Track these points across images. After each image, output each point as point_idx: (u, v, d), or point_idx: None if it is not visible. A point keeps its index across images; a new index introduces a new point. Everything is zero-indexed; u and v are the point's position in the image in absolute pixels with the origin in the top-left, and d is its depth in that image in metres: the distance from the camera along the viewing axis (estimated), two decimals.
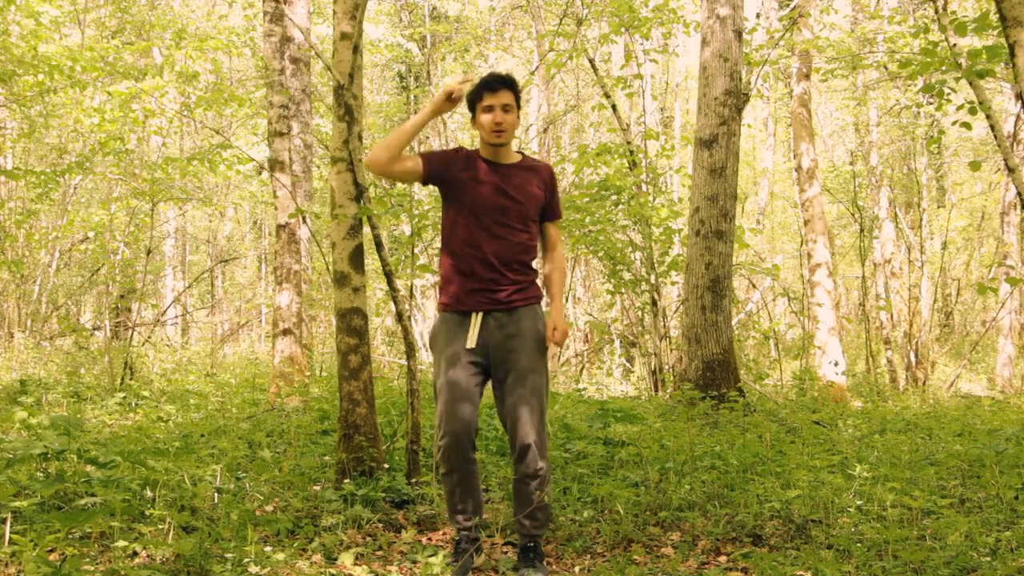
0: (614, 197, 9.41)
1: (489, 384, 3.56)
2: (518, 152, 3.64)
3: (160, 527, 3.59)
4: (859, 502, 4.19)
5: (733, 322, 9.23)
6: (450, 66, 19.70)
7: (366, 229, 4.65)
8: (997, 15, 4.05)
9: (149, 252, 11.53)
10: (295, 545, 3.58)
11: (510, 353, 3.42)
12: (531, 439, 3.39)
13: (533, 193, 3.54)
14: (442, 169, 3.52)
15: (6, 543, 3.26)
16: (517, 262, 3.50)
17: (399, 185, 15.67)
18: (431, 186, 3.62)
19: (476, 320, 3.44)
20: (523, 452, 3.40)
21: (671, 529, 4.06)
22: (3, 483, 3.64)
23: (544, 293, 3.68)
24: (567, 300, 16.46)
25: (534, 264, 3.60)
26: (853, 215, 14.75)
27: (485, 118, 3.46)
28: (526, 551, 3.50)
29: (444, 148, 3.67)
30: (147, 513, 3.67)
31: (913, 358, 13.85)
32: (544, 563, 3.51)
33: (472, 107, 3.51)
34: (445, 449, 3.45)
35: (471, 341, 3.42)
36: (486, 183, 3.49)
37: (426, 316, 17.55)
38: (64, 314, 15.15)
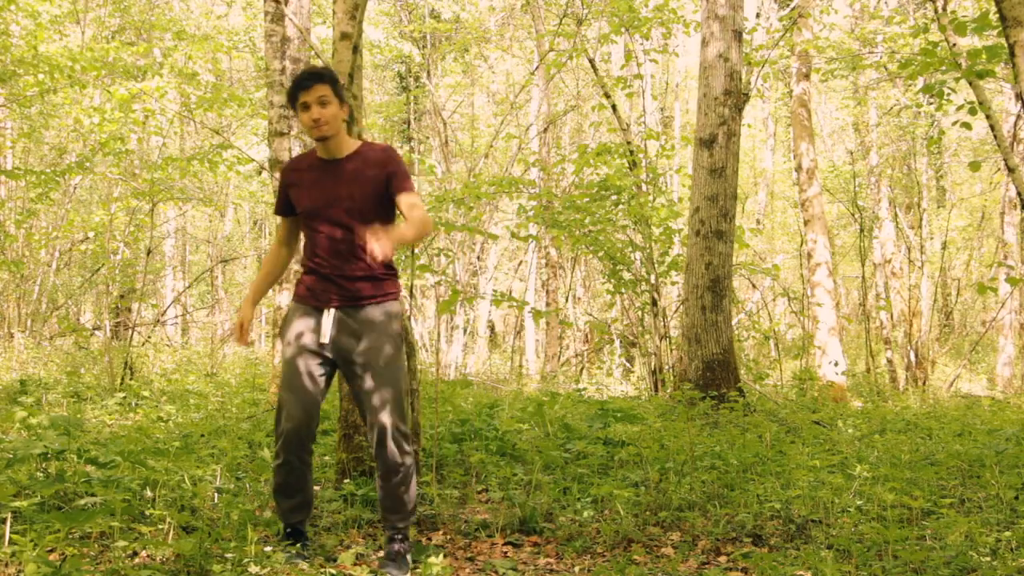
0: (614, 197, 9.41)
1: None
2: (358, 139, 3.58)
3: (160, 527, 3.59)
4: (859, 502, 4.19)
5: (733, 322, 9.23)
6: (450, 66, 19.71)
7: None
8: (997, 15, 4.05)
9: (149, 252, 11.53)
10: (295, 546, 3.58)
11: (362, 351, 3.39)
12: (389, 432, 3.35)
13: (367, 181, 3.44)
14: (287, 202, 3.58)
15: (6, 543, 3.26)
16: (361, 258, 3.43)
17: None
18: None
19: (328, 316, 3.43)
20: (381, 445, 3.37)
21: (671, 529, 4.06)
22: (3, 483, 3.64)
23: (400, 289, 3.62)
24: (566, 300, 16.45)
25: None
26: (853, 215, 14.75)
27: (303, 116, 3.41)
28: (391, 542, 3.45)
29: (280, 180, 3.69)
30: (147, 513, 3.67)
31: (913, 358, 13.86)
32: (407, 558, 3.44)
33: (293, 108, 3.47)
34: (285, 441, 3.40)
35: (324, 336, 3.41)
36: (315, 186, 3.47)
37: (426, 317, 17.56)
38: (64, 314, 15.16)
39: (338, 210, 3.43)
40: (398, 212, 3.54)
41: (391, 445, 3.36)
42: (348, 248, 3.43)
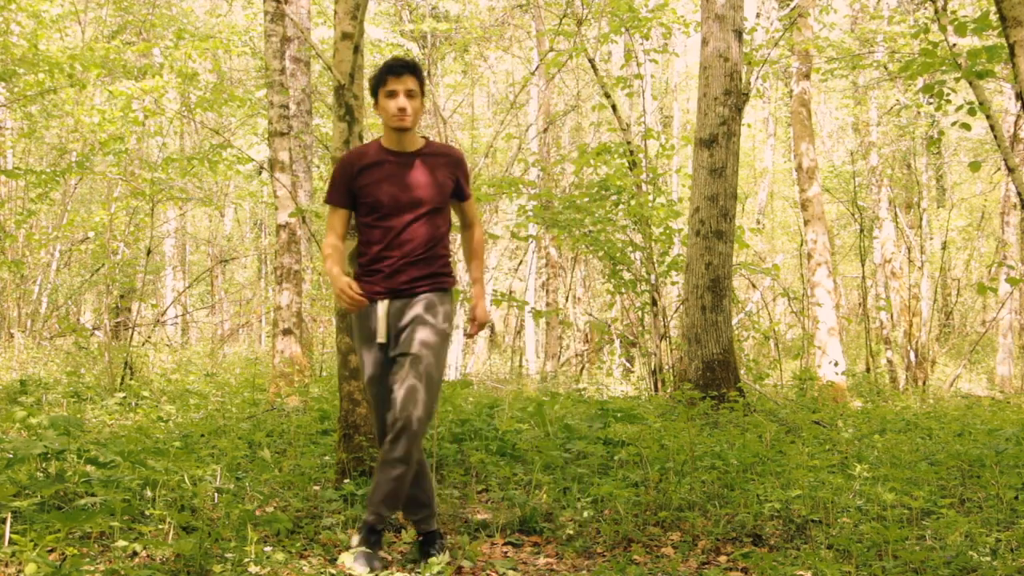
0: (614, 197, 9.40)
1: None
2: (423, 137, 3.61)
3: (160, 527, 3.59)
4: (859, 502, 4.19)
5: (733, 322, 9.23)
6: (450, 65, 19.69)
7: None
8: (997, 15, 4.05)
9: (149, 252, 11.52)
10: (295, 545, 3.58)
11: (407, 336, 3.41)
12: (412, 423, 3.32)
13: (440, 180, 3.51)
14: (348, 193, 3.53)
15: (6, 543, 3.26)
16: (426, 252, 3.47)
17: None
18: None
19: (383, 309, 3.44)
20: (397, 434, 3.33)
21: (671, 529, 4.06)
22: (3, 483, 3.64)
23: (456, 281, 3.67)
24: (566, 300, 16.45)
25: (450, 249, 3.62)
26: (853, 215, 14.75)
27: (388, 103, 3.42)
28: (427, 542, 3.55)
29: (338, 170, 3.57)
30: (147, 513, 3.67)
31: (913, 358, 13.85)
32: (443, 543, 3.56)
33: (375, 93, 3.47)
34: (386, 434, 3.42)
35: (381, 335, 3.43)
36: (391, 179, 3.47)
37: None
38: (64, 314, 15.15)
39: (415, 204, 3.45)
40: (455, 213, 3.65)
41: (409, 435, 3.39)
42: (415, 244, 3.45)
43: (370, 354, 3.48)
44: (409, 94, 3.42)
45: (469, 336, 3.61)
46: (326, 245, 3.58)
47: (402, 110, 3.41)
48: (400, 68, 3.42)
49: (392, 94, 3.42)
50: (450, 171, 3.55)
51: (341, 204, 3.55)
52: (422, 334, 3.39)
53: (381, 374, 3.46)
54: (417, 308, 3.43)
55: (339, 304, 3.52)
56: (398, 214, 3.45)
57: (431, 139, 3.64)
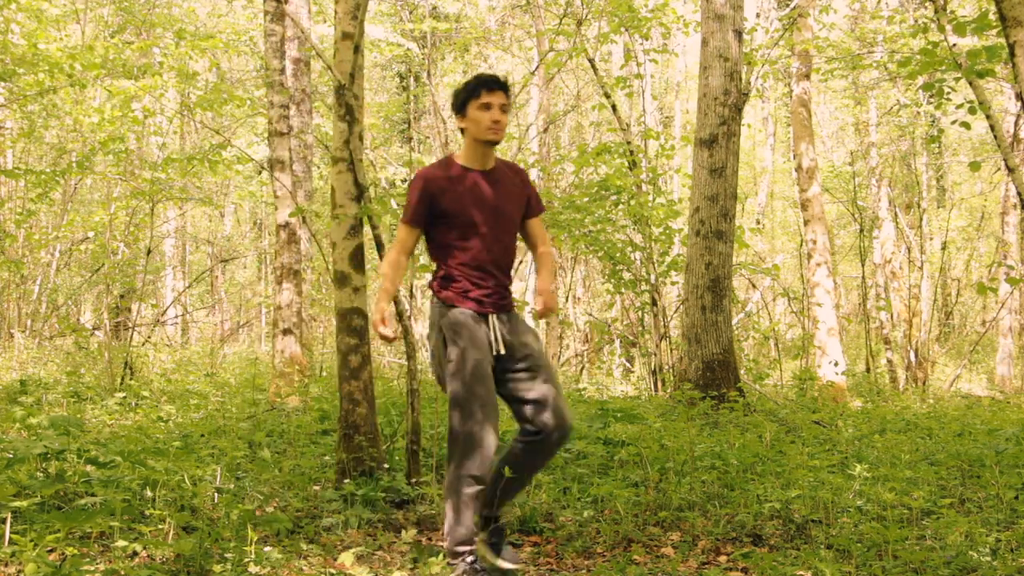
0: (614, 197, 9.40)
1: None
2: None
3: (160, 527, 3.59)
4: (859, 502, 4.19)
5: (733, 322, 9.23)
6: (450, 65, 19.70)
7: (366, 229, 4.65)
8: (997, 15, 4.05)
9: (149, 252, 11.52)
10: (295, 545, 3.58)
11: (526, 349, 3.48)
12: (566, 410, 3.45)
13: (517, 196, 3.59)
14: (428, 213, 3.50)
15: (6, 543, 3.26)
16: (509, 266, 3.59)
17: (400, 185, 15.64)
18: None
19: (494, 323, 3.48)
20: (559, 417, 3.39)
21: (671, 529, 4.06)
22: (3, 483, 3.65)
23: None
24: (567, 299, 16.45)
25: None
26: (853, 215, 14.75)
27: (482, 115, 3.42)
28: (501, 530, 3.48)
29: (418, 189, 3.60)
30: (147, 513, 3.67)
31: (913, 358, 13.85)
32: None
33: (463, 106, 3.46)
34: (484, 465, 3.34)
35: (500, 346, 3.45)
36: (476, 193, 3.49)
37: (426, 317, 17.54)
38: (64, 314, 15.15)
39: (499, 219, 3.51)
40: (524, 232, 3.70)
41: (567, 416, 3.47)
42: (503, 257, 3.53)
43: (483, 363, 3.40)
44: (503, 108, 3.45)
45: (543, 313, 3.52)
46: (388, 261, 3.54)
47: (496, 122, 3.43)
48: (494, 83, 3.46)
49: (487, 107, 3.43)
50: (523, 188, 3.62)
51: (418, 224, 3.53)
52: (538, 346, 3.54)
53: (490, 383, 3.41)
54: (519, 322, 3.56)
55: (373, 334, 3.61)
56: (487, 230, 3.49)
57: (498, 156, 3.65)
